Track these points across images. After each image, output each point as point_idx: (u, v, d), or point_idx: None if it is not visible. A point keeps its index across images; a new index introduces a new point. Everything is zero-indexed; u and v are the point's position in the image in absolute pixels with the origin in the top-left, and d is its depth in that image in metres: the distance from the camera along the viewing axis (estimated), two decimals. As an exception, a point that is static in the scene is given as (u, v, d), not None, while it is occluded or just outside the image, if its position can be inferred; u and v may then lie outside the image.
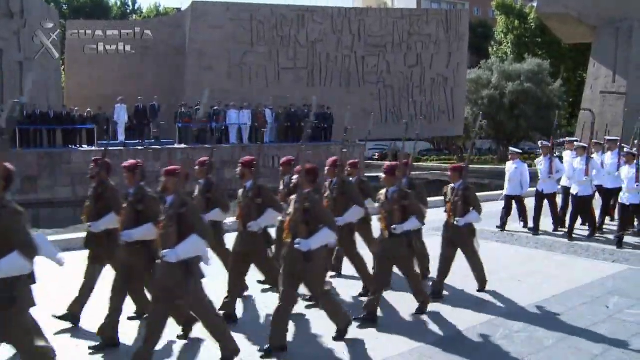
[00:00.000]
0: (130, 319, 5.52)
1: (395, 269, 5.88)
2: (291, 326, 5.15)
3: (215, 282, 5.62)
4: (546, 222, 10.77)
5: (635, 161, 9.21)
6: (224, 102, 22.45)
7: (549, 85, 37.09)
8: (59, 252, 4.54)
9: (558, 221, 10.75)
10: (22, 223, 3.53)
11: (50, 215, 17.12)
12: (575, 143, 10.97)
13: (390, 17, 29.14)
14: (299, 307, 6.06)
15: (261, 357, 4.78)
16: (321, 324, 5.41)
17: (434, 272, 6.80)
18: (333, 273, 7.25)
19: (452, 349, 5.00)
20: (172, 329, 5.01)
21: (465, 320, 5.74)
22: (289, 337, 5.00)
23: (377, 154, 41.63)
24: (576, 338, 5.25)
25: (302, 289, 5.54)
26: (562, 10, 25.93)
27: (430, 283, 6.65)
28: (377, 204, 5.87)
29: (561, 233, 10.42)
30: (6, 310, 3.45)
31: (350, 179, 6.94)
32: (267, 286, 6.62)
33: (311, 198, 4.82)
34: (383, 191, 5.73)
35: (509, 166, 11.01)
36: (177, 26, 27.28)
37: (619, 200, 9.70)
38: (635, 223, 10.25)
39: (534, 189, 10.99)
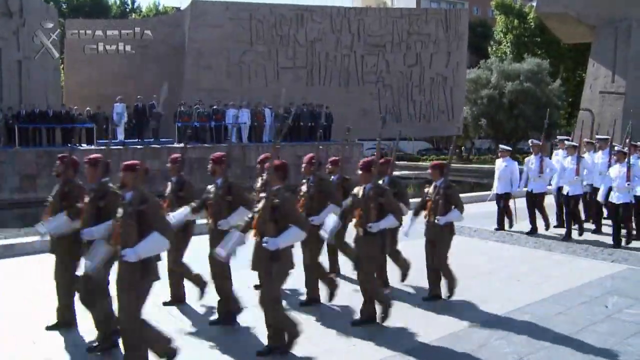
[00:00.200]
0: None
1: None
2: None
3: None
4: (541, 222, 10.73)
5: (626, 160, 9.15)
6: (223, 102, 22.46)
7: (548, 84, 37.12)
8: None
9: (548, 221, 10.66)
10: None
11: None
12: (566, 142, 10.83)
13: (390, 16, 29.11)
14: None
15: (257, 353, 4.78)
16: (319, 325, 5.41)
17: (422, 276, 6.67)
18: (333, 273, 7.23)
19: (450, 349, 5.00)
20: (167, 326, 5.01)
21: (464, 320, 5.74)
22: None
23: (375, 154, 41.55)
24: (575, 338, 5.26)
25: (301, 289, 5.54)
26: (561, 10, 25.91)
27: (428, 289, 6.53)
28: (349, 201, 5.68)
29: (561, 233, 10.37)
30: None
31: (332, 177, 6.82)
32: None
33: (280, 195, 4.65)
34: (358, 188, 5.57)
35: (499, 164, 10.85)
36: (177, 25, 27.25)
37: (609, 200, 9.56)
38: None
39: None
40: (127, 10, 52.11)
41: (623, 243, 9.36)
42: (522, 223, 10.71)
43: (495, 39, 48.14)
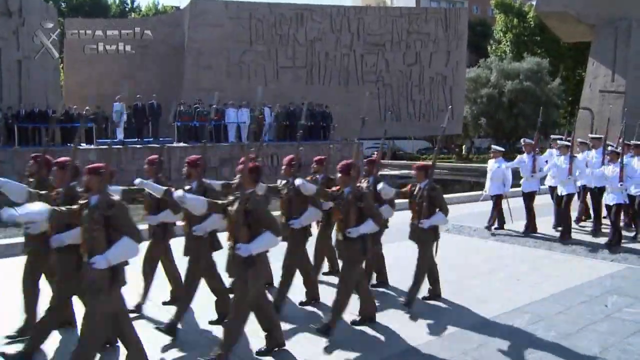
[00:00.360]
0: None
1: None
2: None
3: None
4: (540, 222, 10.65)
5: (619, 159, 9.07)
6: (222, 101, 22.44)
7: (548, 83, 37.13)
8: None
9: (531, 222, 10.37)
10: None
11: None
12: (559, 142, 10.65)
13: (389, 15, 29.11)
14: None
15: (256, 353, 4.80)
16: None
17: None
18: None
19: (450, 348, 5.00)
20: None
21: (464, 319, 5.74)
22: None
23: (375, 153, 41.50)
24: (575, 337, 5.26)
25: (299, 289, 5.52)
26: (561, 9, 25.89)
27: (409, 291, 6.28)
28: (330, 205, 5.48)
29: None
30: None
31: (317, 176, 6.68)
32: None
33: (253, 199, 4.48)
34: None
35: (491, 165, 10.68)
36: (176, 25, 27.25)
37: (604, 201, 9.44)
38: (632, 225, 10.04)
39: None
40: (127, 9, 52.14)
41: (609, 242, 9.19)
42: (516, 223, 10.59)
43: (495, 38, 48.15)
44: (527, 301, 6.32)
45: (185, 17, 26.64)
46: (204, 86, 24.65)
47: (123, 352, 4.68)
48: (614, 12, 24.64)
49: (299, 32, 27.18)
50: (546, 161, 10.93)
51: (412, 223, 6.19)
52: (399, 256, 7.20)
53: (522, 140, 11.03)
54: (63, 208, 4.28)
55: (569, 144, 10.11)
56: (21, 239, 8.96)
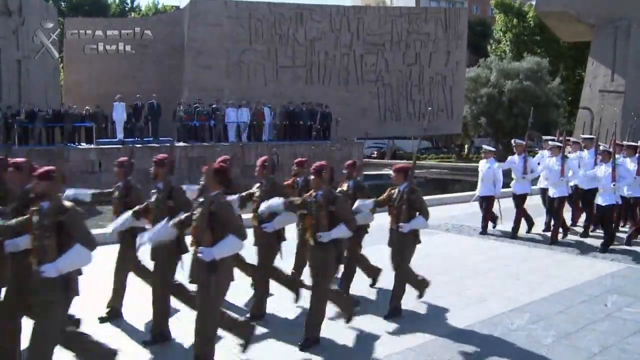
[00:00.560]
0: None
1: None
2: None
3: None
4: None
5: (611, 159, 8.93)
6: (222, 101, 22.46)
7: (548, 83, 37.10)
8: None
9: (518, 225, 10.11)
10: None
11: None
12: (550, 142, 10.43)
13: (389, 15, 29.10)
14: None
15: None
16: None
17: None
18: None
19: (449, 348, 5.00)
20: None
21: (463, 319, 5.74)
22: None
23: (375, 152, 41.66)
24: (575, 336, 5.26)
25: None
26: (560, 9, 25.91)
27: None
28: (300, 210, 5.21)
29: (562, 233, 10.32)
30: None
31: (297, 179, 6.47)
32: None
33: (217, 201, 4.26)
34: (308, 193, 5.19)
35: (482, 165, 10.42)
36: (176, 24, 27.23)
37: (596, 202, 9.21)
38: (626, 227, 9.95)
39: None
40: (127, 9, 52.11)
41: (605, 246, 8.99)
42: (506, 224, 10.44)
43: (495, 38, 48.13)
44: (527, 301, 6.32)
45: (185, 16, 26.63)
46: (204, 86, 24.66)
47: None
48: (614, 11, 24.66)
49: (299, 31, 27.17)
50: (538, 163, 10.66)
51: (392, 228, 5.90)
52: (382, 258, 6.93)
53: (512, 140, 10.75)
54: (12, 221, 4.07)
55: (560, 144, 9.89)
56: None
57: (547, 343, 5.10)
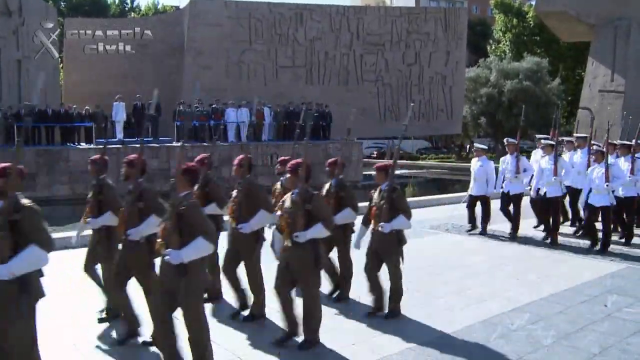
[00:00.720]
0: None
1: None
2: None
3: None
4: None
5: (604, 159, 8.83)
6: (222, 100, 22.46)
7: (548, 83, 37.14)
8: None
9: (518, 225, 9.94)
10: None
11: (48, 213, 17.07)
12: (543, 141, 10.26)
13: (389, 15, 29.12)
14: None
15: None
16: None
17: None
18: None
19: (449, 348, 4.99)
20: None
21: (463, 319, 5.73)
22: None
23: (374, 152, 41.66)
24: (574, 337, 5.26)
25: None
26: (560, 9, 25.91)
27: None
28: (278, 210, 5.06)
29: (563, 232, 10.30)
30: None
31: (281, 178, 6.28)
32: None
33: (187, 202, 4.10)
34: (288, 194, 5.02)
35: (474, 164, 10.24)
36: (176, 24, 27.24)
37: (587, 201, 9.01)
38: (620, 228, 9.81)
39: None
40: (126, 9, 52.14)
41: (597, 247, 8.93)
42: (501, 224, 10.36)
43: (495, 38, 48.16)
44: (527, 301, 6.31)
45: (185, 16, 26.64)
46: (204, 86, 24.66)
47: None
48: (614, 11, 24.67)
49: (299, 31, 27.18)
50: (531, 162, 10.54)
51: (373, 229, 5.69)
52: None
53: (505, 140, 10.57)
54: None
55: (553, 143, 9.75)
56: None
57: (547, 343, 5.10)
